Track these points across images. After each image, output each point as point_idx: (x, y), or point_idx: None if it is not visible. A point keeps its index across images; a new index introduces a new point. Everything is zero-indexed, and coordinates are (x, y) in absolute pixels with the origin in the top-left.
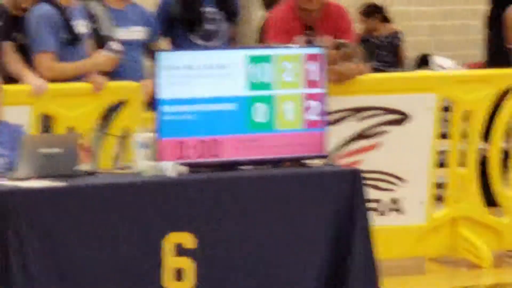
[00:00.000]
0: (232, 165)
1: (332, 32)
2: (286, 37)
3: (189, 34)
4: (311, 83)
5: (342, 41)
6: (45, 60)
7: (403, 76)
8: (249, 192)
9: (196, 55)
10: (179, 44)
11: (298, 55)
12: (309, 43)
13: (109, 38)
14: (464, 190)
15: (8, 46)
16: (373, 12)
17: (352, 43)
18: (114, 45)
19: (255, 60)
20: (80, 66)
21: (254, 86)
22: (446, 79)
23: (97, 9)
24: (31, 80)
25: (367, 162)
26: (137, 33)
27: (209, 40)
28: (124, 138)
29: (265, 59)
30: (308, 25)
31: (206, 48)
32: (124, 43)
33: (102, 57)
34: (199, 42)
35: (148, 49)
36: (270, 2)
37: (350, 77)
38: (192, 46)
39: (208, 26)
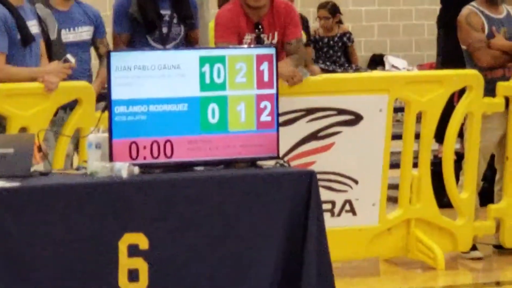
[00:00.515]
0: (185, 166)
1: (280, 29)
2: (233, 36)
3: (147, 36)
4: (263, 84)
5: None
6: None
7: (355, 76)
8: (202, 193)
9: (148, 56)
10: (136, 45)
11: (250, 56)
12: (258, 41)
13: (57, 43)
14: (417, 192)
15: None
16: (336, 12)
17: (296, 40)
18: (69, 57)
19: (208, 60)
20: (31, 74)
21: (207, 87)
22: (398, 80)
23: (44, 12)
24: None
25: (320, 163)
26: (84, 33)
27: (166, 43)
28: (77, 138)
29: (218, 59)
30: (255, 22)
31: (159, 48)
32: (72, 44)
33: (55, 68)
34: (156, 45)
35: (96, 47)
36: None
37: (290, 79)
38: (149, 47)
39: (164, 29)
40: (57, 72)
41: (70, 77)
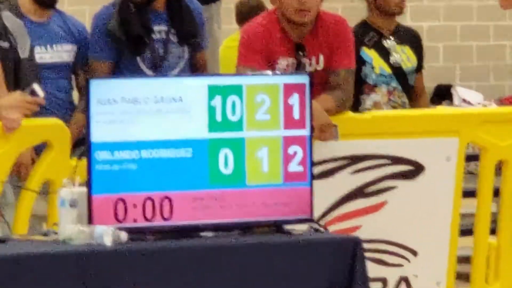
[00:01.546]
0: (188, 231)
1: (326, 52)
2: (261, 59)
3: (137, 59)
4: (293, 123)
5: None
6: None
7: (415, 114)
8: (210, 267)
9: (140, 84)
10: (124, 71)
11: (276, 86)
12: (298, 67)
13: (28, 63)
14: (496, 267)
15: None
16: None
17: (346, 71)
18: (36, 88)
19: (219, 91)
20: None
21: (218, 126)
22: (471, 119)
23: (12, 22)
24: None
25: (368, 228)
26: (64, 53)
27: (161, 68)
28: (45, 193)
29: (232, 90)
30: (296, 43)
31: (154, 75)
32: (49, 67)
33: (17, 100)
34: (148, 71)
35: (76, 74)
36: (246, 14)
37: (321, 130)
38: (140, 74)
39: (160, 50)
40: (19, 106)
41: (42, 109)
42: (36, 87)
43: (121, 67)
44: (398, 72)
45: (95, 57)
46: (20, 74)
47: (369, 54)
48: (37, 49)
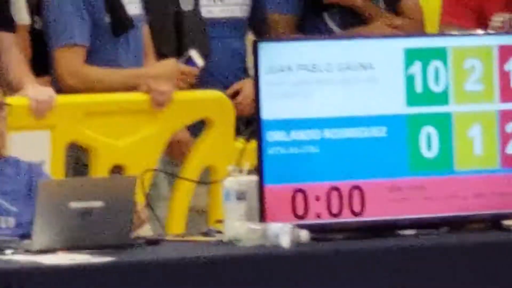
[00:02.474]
0: (383, 229)
1: None
2: (471, 15)
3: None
4: (511, 94)
5: None
6: (69, 58)
7: None
8: (412, 271)
9: (322, 47)
10: (308, 28)
11: (489, 48)
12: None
13: (192, 18)
14: None
15: (8, 38)
16: None
17: None
18: (194, 55)
19: (419, 56)
20: (128, 78)
21: (418, 99)
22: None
23: None
24: (30, 91)
25: None
26: (237, 7)
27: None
28: (206, 183)
29: (435, 54)
30: None
31: (338, 36)
32: (219, 23)
33: (169, 70)
34: (334, 27)
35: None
36: None
37: None
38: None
39: None
40: (171, 77)
41: (201, 82)
42: (193, 53)
43: (305, 24)
44: None
45: (274, 9)
46: (182, 30)
47: None
48: (204, 1)
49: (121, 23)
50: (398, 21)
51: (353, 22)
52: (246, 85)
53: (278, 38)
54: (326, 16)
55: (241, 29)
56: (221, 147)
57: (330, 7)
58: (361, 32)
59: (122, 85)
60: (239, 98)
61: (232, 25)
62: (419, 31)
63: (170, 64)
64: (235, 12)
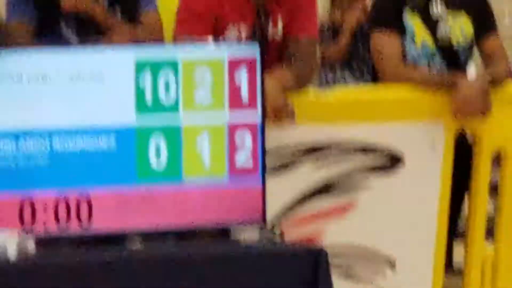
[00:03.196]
0: (111, 239)
1: (284, 15)
2: (205, 25)
3: (59, 21)
4: (240, 105)
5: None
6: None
7: (391, 94)
8: (139, 285)
9: (50, 56)
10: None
11: (219, 60)
12: (255, 34)
13: None
14: (494, 279)
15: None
16: None
17: (308, 40)
18: None
19: (149, 66)
20: None
21: (148, 109)
22: None
23: None
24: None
25: (335, 234)
26: None
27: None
28: None
29: (165, 65)
30: (257, 5)
31: (70, 45)
32: None
33: None
34: (73, 37)
35: None
36: None
37: (276, 112)
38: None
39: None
40: None
41: None
42: None
43: (43, 32)
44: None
45: (13, 17)
46: None
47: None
48: None
49: None
50: (137, 31)
51: (90, 31)
52: None
53: (9, 47)
54: (63, 24)
55: None
56: None
57: (67, 16)
58: (99, 41)
59: None
60: None
61: None
62: (159, 42)
63: None
64: None
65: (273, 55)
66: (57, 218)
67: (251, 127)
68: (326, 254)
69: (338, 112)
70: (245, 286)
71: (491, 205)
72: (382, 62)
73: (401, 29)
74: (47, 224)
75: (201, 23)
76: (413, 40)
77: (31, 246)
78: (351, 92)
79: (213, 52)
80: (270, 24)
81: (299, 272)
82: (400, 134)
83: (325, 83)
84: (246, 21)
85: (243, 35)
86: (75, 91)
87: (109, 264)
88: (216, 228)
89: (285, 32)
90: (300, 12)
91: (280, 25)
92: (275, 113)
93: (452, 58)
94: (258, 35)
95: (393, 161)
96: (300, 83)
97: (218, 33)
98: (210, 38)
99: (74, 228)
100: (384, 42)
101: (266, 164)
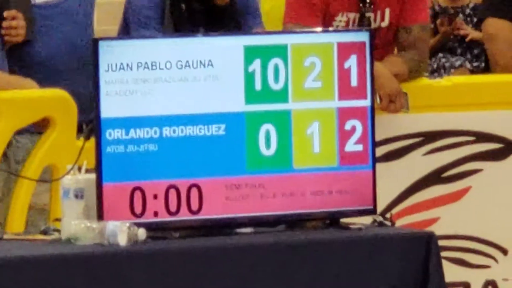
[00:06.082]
0: (221, 227)
1: (394, 5)
2: (315, 15)
3: None
4: (350, 92)
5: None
6: None
7: (505, 80)
8: (248, 271)
9: (161, 46)
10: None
11: (329, 45)
12: (361, 23)
13: None
14: None
15: None
16: None
17: (420, 27)
18: None
19: (258, 53)
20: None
21: (257, 97)
22: None
23: None
24: None
25: (446, 221)
26: None
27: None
28: (46, 182)
29: (275, 51)
30: None
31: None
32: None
33: None
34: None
35: None
36: None
37: (388, 100)
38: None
39: None
40: None
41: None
42: None
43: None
44: None
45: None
46: None
47: None
48: None
49: None
50: None
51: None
52: None
53: (118, 37)
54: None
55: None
56: (62, 146)
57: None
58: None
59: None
60: None
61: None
62: None
63: None
64: None
65: (379, 43)
66: (167, 206)
67: (361, 112)
68: (437, 239)
69: (452, 99)
70: (357, 270)
71: None
72: (497, 51)
73: None
74: (157, 212)
75: (311, 11)
76: None
77: (141, 234)
78: (465, 79)
79: (322, 36)
80: (379, 13)
81: (410, 257)
82: None
83: (439, 68)
84: (353, 10)
85: (351, 23)
86: (184, 79)
87: (219, 251)
88: (326, 213)
89: (395, 21)
90: (411, 0)
91: (387, 14)
92: (390, 99)
93: None
94: (365, 24)
95: (507, 148)
96: (413, 70)
97: (326, 22)
98: (320, 26)
99: (184, 215)
100: (498, 31)
101: (375, 149)
